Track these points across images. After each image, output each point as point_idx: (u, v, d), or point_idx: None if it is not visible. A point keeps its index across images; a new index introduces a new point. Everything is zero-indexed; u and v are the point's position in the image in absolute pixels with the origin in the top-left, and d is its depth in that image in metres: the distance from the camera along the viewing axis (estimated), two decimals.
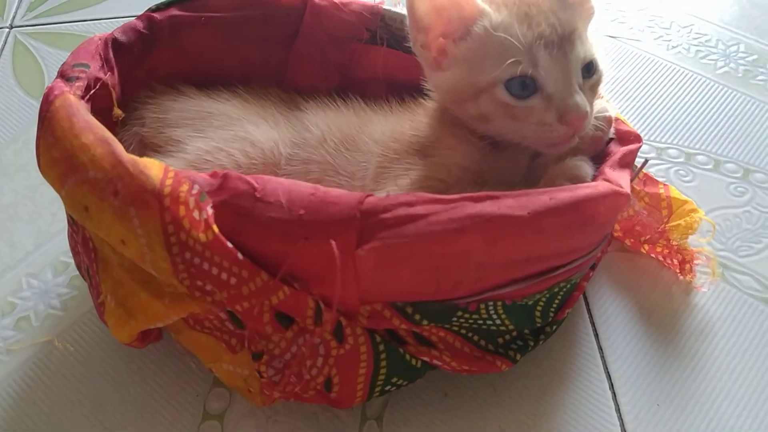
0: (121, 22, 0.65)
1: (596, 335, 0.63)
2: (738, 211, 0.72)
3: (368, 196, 0.47)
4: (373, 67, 0.70)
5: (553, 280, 0.52)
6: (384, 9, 0.68)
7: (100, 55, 0.61)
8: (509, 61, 0.54)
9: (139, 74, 0.66)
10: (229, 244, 0.46)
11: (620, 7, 0.95)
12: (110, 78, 0.60)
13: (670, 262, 0.66)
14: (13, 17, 0.95)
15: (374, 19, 0.68)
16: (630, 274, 0.67)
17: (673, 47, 0.89)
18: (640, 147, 0.58)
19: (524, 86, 0.54)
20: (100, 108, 0.59)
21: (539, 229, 0.48)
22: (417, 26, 0.58)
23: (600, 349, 0.62)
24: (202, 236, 0.46)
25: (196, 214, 0.46)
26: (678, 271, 0.66)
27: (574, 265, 0.52)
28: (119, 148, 0.49)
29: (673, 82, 0.85)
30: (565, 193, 0.49)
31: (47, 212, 0.73)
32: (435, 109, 0.63)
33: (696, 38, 0.91)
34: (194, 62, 0.68)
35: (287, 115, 0.65)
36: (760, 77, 0.85)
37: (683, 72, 0.86)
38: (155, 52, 0.66)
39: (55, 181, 0.51)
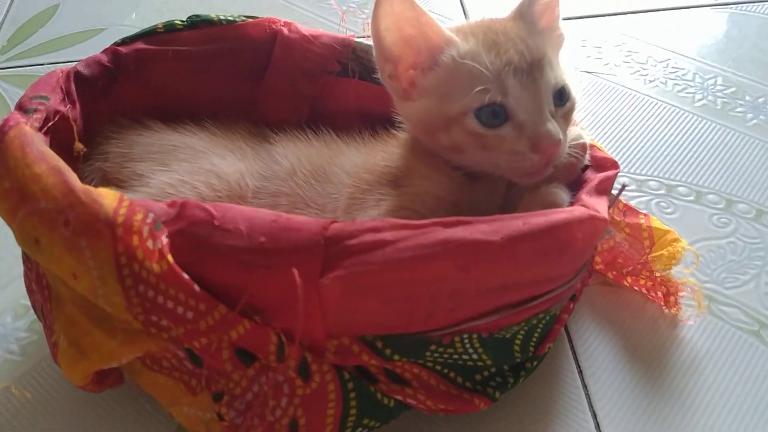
0: None
1: (580, 372, 0.60)
2: (722, 242, 0.70)
3: (333, 222, 0.45)
4: (345, 100, 0.68)
5: (531, 311, 0.50)
6: (355, 41, 0.67)
7: (61, 88, 0.59)
8: (477, 89, 0.53)
9: (103, 109, 0.64)
10: (185, 276, 0.43)
11: (596, 43, 0.95)
12: (71, 111, 0.59)
13: (654, 294, 0.64)
14: None
15: (345, 52, 0.67)
16: (613, 308, 0.64)
17: (650, 81, 0.89)
18: (617, 173, 0.57)
19: (494, 115, 0.53)
20: (61, 142, 0.58)
21: (513, 255, 0.46)
22: (384, 56, 0.56)
23: (584, 386, 0.59)
24: (156, 267, 0.43)
25: (150, 243, 0.44)
26: (663, 304, 0.63)
27: (552, 295, 0.50)
28: (72, 177, 0.47)
29: (652, 116, 0.84)
30: (539, 218, 0.47)
31: (10, 255, 0.70)
32: (407, 139, 0.61)
33: (673, 72, 0.90)
34: (161, 97, 0.67)
35: (256, 148, 0.63)
36: (738, 109, 0.85)
37: (661, 105, 0.85)
38: (120, 87, 0.65)
39: (6, 214, 0.48)
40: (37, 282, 0.52)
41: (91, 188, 0.46)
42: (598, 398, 0.58)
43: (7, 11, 1.01)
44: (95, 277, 0.44)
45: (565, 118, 0.56)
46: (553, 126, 0.53)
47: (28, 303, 0.64)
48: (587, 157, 0.58)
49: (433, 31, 0.55)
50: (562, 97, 0.55)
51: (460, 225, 0.46)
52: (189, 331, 0.44)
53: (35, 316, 0.64)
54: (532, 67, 0.53)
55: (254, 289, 0.43)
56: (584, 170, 0.58)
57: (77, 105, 0.60)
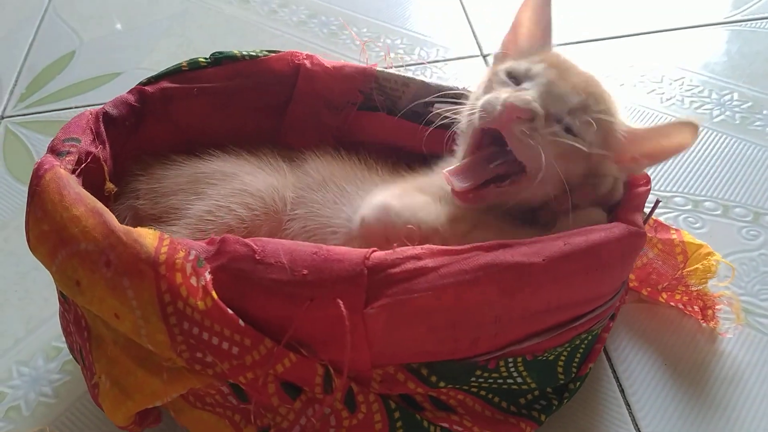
0: None
1: (622, 391, 0.59)
2: (753, 255, 0.70)
3: (374, 251, 0.45)
4: (369, 132, 0.68)
5: (575, 332, 0.49)
6: (377, 70, 0.68)
7: (91, 129, 0.59)
8: None
9: (131, 148, 0.64)
10: (230, 311, 0.43)
11: (608, 65, 0.96)
12: (102, 152, 0.59)
13: (690, 309, 0.63)
14: (5, 108, 0.95)
15: (367, 81, 0.67)
16: (651, 325, 0.64)
17: (667, 99, 0.89)
18: (649, 189, 0.56)
19: None
20: (93, 183, 0.57)
21: (556, 277, 0.46)
22: None
23: (627, 405, 0.58)
24: (200, 304, 0.43)
25: (193, 280, 0.44)
26: (700, 318, 0.63)
27: (595, 314, 0.50)
28: (111, 218, 0.47)
29: None
30: (579, 238, 0.47)
31: (39, 297, 0.70)
32: None
33: (689, 90, 0.90)
34: (187, 133, 0.67)
35: (287, 161, 0.63)
36: (757, 123, 0.85)
37: None
38: (147, 125, 0.65)
39: (46, 257, 0.48)
40: (75, 323, 0.52)
41: (131, 228, 0.46)
42: (642, 416, 0.57)
43: (25, 59, 1.02)
44: (138, 316, 0.44)
45: None
46: None
47: (60, 344, 0.64)
48: None
49: None
50: None
51: (501, 248, 0.46)
52: (234, 367, 0.44)
53: (66, 358, 0.64)
54: None
55: (299, 322, 0.43)
56: None
57: (107, 145, 0.60)
